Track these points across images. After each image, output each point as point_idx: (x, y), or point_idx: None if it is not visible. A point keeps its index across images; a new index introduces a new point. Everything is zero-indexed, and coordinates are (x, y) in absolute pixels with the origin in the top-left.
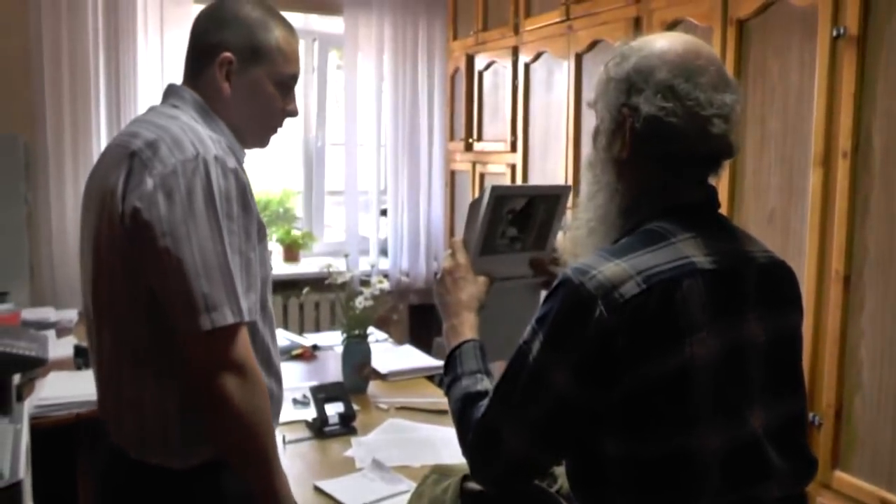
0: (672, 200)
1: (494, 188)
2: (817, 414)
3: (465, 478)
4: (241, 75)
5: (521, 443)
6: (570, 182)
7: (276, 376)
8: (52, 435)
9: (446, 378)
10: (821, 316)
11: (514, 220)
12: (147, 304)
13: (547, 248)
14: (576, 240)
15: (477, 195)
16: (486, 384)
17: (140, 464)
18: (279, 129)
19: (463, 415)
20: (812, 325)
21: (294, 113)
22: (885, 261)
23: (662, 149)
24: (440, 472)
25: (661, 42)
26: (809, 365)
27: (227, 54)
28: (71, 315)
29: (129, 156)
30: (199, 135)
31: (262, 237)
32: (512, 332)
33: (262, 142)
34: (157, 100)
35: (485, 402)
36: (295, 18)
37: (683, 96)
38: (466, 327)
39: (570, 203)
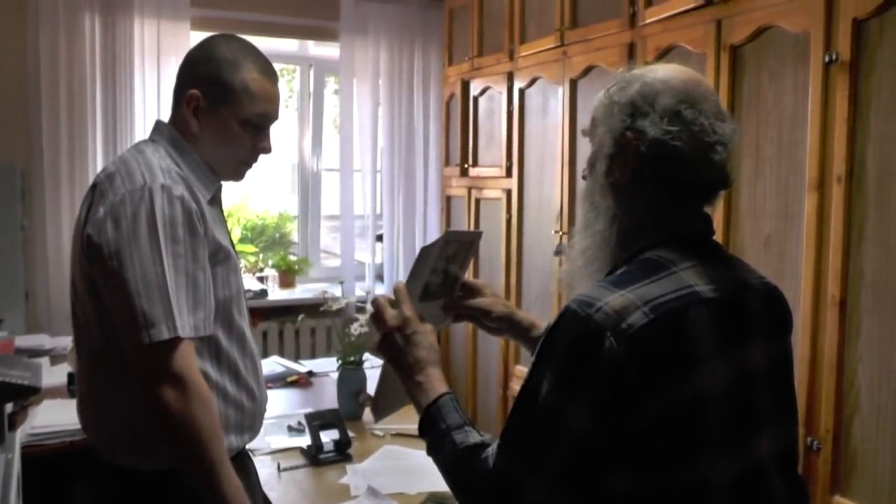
0: (673, 230)
1: (449, 231)
2: (816, 438)
3: None
4: (207, 113)
5: (544, 490)
6: (565, 207)
7: (248, 389)
8: (47, 463)
9: (428, 438)
10: (817, 340)
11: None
12: (107, 321)
13: (454, 293)
14: (573, 270)
15: (436, 236)
16: (477, 436)
17: (113, 465)
18: (252, 165)
19: (465, 471)
20: (809, 350)
21: (266, 151)
22: (881, 285)
23: (665, 174)
24: (436, 499)
25: (663, 70)
26: (807, 389)
27: (194, 91)
28: (65, 342)
29: (91, 188)
30: (151, 166)
31: (224, 260)
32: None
33: (234, 175)
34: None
35: (489, 454)
36: (291, 45)
37: (689, 121)
38: (436, 382)
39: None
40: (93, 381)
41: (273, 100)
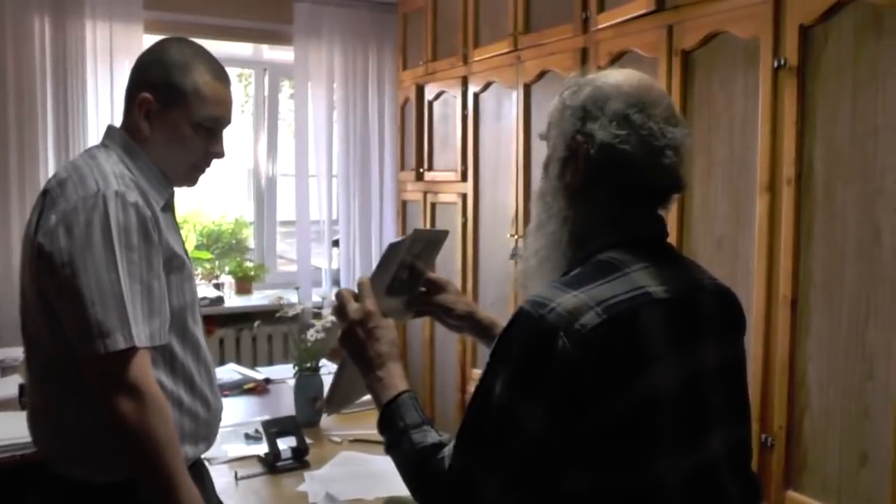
0: (625, 234)
1: (418, 229)
2: (769, 435)
3: None
4: (159, 117)
5: (498, 490)
6: (520, 211)
7: (202, 398)
8: None
9: (387, 436)
10: (769, 339)
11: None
12: (59, 331)
13: (417, 289)
14: (526, 271)
15: (404, 234)
16: (435, 436)
17: (65, 478)
18: (205, 169)
19: (422, 471)
20: (762, 349)
21: (219, 155)
22: (829, 284)
23: (616, 178)
24: (394, 503)
25: (616, 75)
26: (760, 387)
27: (146, 95)
28: (16, 353)
29: (42, 195)
30: (104, 172)
31: (178, 268)
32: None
33: (187, 180)
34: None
35: (446, 454)
36: (245, 49)
37: (638, 125)
38: (396, 378)
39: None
40: (44, 393)
41: (225, 103)
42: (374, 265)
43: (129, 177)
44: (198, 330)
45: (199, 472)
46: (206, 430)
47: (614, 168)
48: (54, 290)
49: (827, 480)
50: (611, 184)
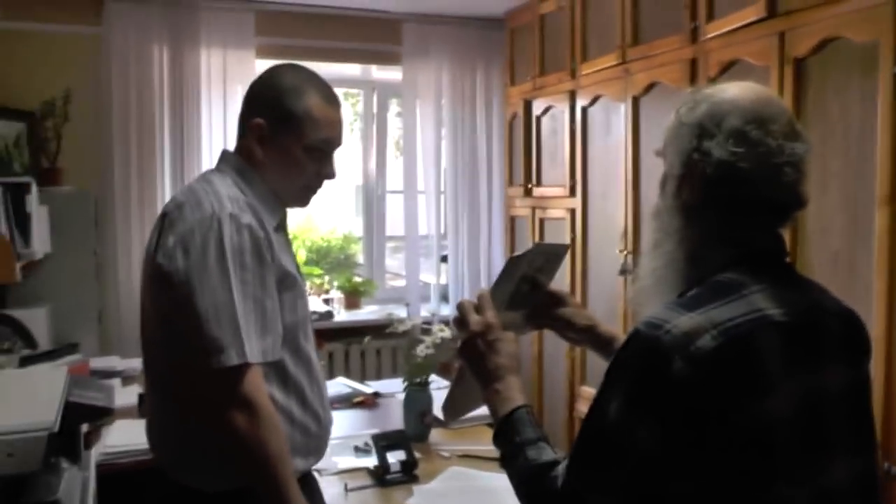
0: (742, 249)
1: (537, 244)
2: (893, 465)
3: None
4: (272, 141)
5: None
6: (629, 226)
7: (313, 413)
8: (120, 481)
9: (502, 449)
10: (891, 362)
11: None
12: (176, 346)
13: (535, 303)
14: (642, 290)
15: (525, 248)
16: (551, 453)
17: (180, 485)
18: (316, 190)
19: (537, 488)
20: (883, 371)
21: (331, 176)
22: None
23: (733, 195)
24: None
25: (734, 90)
26: (882, 413)
27: (259, 121)
28: (136, 364)
29: (161, 217)
30: (219, 195)
31: (291, 286)
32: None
33: (299, 201)
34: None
35: (560, 471)
36: (354, 69)
37: (755, 142)
38: (514, 391)
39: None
40: (161, 403)
41: (336, 125)
42: (483, 281)
43: (242, 199)
44: (309, 346)
45: (309, 484)
46: (316, 444)
47: (732, 186)
48: (172, 307)
49: None
50: (727, 201)
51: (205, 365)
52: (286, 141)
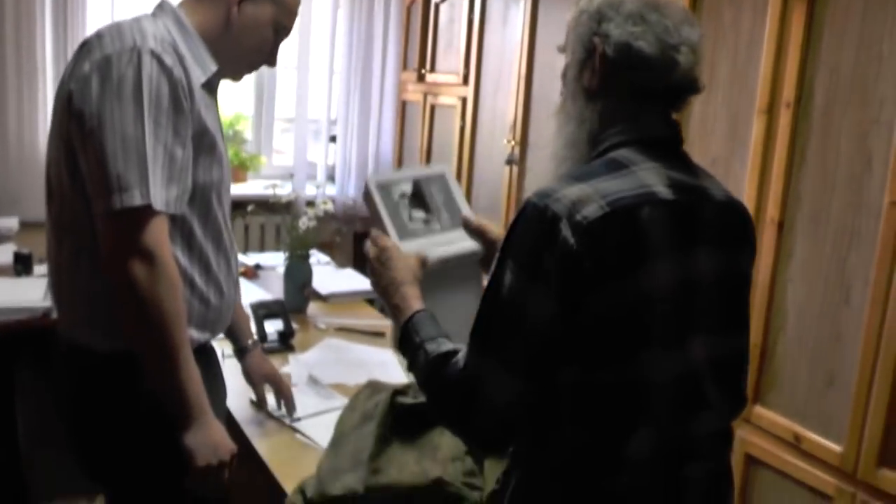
0: (639, 133)
1: (371, 178)
2: None
3: (395, 392)
4: (253, 8)
5: (503, 384)
6: (519, 118)
7: (216, 285)
8: None
9: (406, 354)
10: (755, 260)
11: (412, 203)
12: (79, 185)
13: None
14: (548, 173)
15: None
16: (449, 345)
17: (69, 345)
18: (253, 71)
19: (436, 377)
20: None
21: (273, 63)
22: (817, 209)
23: (631, 77)
24: (373, 387)
25: None
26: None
27: None
28: (10, 223)
29: (80, 46)
30: (145, 31)
31: (209, 148)
32: (461, 315)
33: (237, 73)
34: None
35: (460, 357)
36: None
37: (653, 23)
38: (411, 300)
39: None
40: (60, 251)
41: (295, 16)
42: (370, 164)
43: (169, 42)
44: (221, 214)
45: (209, 358)
46: (215, 317)
47: (630, 66)
48: (79, 139)
49: (794, 399)
50: (627, 83)
51: (107, 203)
52: (263, 14)
